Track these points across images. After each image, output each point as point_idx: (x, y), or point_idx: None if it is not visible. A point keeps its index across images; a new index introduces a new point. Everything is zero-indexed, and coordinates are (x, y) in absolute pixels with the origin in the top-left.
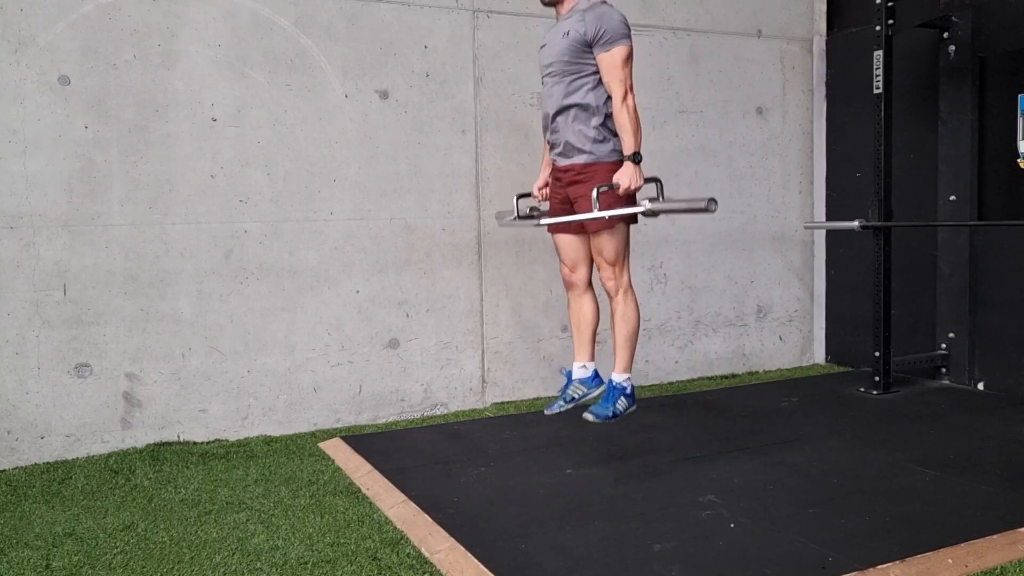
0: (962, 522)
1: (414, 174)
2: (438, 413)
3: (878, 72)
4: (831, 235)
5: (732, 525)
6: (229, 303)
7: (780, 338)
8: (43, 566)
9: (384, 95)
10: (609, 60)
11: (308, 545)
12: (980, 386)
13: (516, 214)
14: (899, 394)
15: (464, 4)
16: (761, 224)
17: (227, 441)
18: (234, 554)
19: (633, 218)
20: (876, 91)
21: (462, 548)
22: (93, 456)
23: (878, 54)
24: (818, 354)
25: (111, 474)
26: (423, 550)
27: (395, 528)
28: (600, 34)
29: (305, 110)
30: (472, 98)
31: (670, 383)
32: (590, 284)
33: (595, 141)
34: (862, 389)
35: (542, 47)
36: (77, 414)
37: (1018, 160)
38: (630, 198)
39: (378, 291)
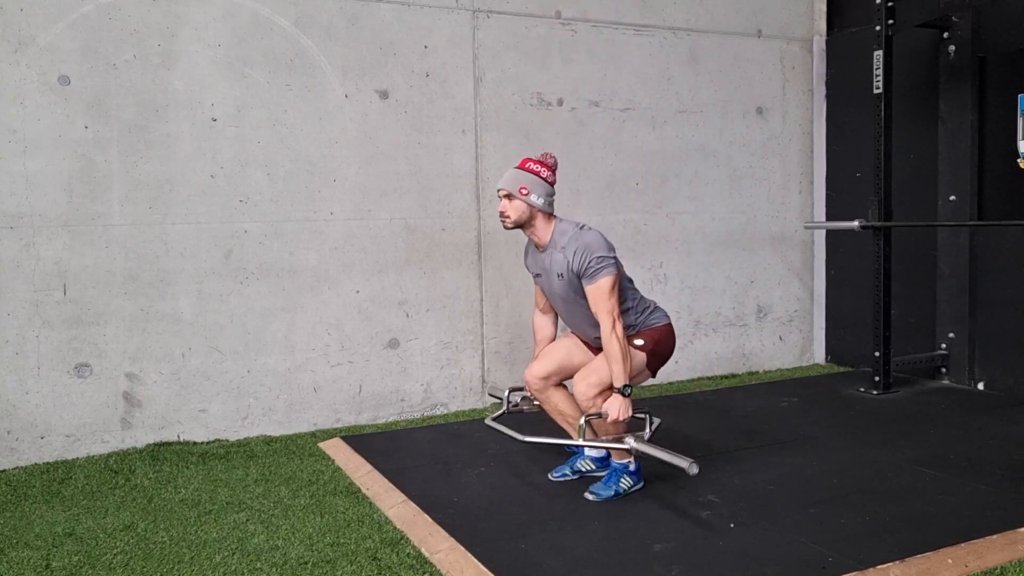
0: (962, 522)
1: (414, 174)
2: (438, 413)
3: (878, 72)
4: (831, 235)
5: (732, 525)
6: (229, 303)
7: (780, 338)
8: (43, 566)
9: (384, 95)
10: (596, 291)
11: (308, 545)
12: (980, 386)
13: (506, 408)
14: (899, 394)
15: (464, 4)
16: (761, 224)
17: (227, 441)
18: (234, 554)
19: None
20: (876, 91)
21: (462, 548)
22: (93, 456)
23: (878, 54)
24: (818, 354)
25: (111, 474)
26: (423, 550)
27: (395, 528)
28: (586, 268)
29: (305, 110)
30: (472, 98)
31: (670, 383)
32: (558, 383)
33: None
34: (862, 389)
35: (536, 275)
36: (77, 414)
37: (1018, 160)
38: (617, 427)
39: (378, 291)
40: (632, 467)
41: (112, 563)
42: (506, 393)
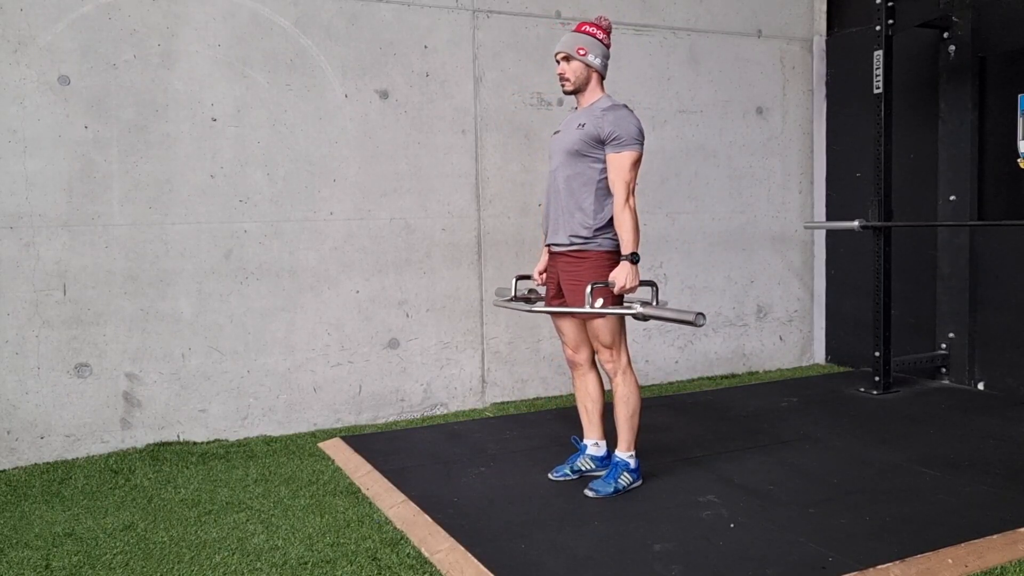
0: (962, 522)
1: (414, 174)
2: (438, 413)
3: (878, 72)
4: (831, 235)
5: (732, 525)
6: (229, 303)
7: (780, 338)
8: (43, 566)
9: (384, 95)
10: (618, 161)
11: (308, 545)
12: (980, 386)
13: (513, 295)
14: (899, 394)
15: (464, 4)
16: (761, 224)
17: (227, 441)
18: (234, 554)
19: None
20: (876, 91)
21: (462, 548)
22: (93, 456)
23: (878, 54)
24: (818, 354)
25: (111, 474)
26: (423, 550)
27: (395, 528)
28: (614, 135)
29: (305, 110)
30: (472, 98)
31: (670, 383)
32: (594, 363)
33: (590, 229)
34: (862, 389)
35: (555, 133)
36: (77, 414)
37: (1018, 160)
38: (622, 296)
39: (378, 291)
40: (632, 464)
41: (112, 563)
42: (514, 281)
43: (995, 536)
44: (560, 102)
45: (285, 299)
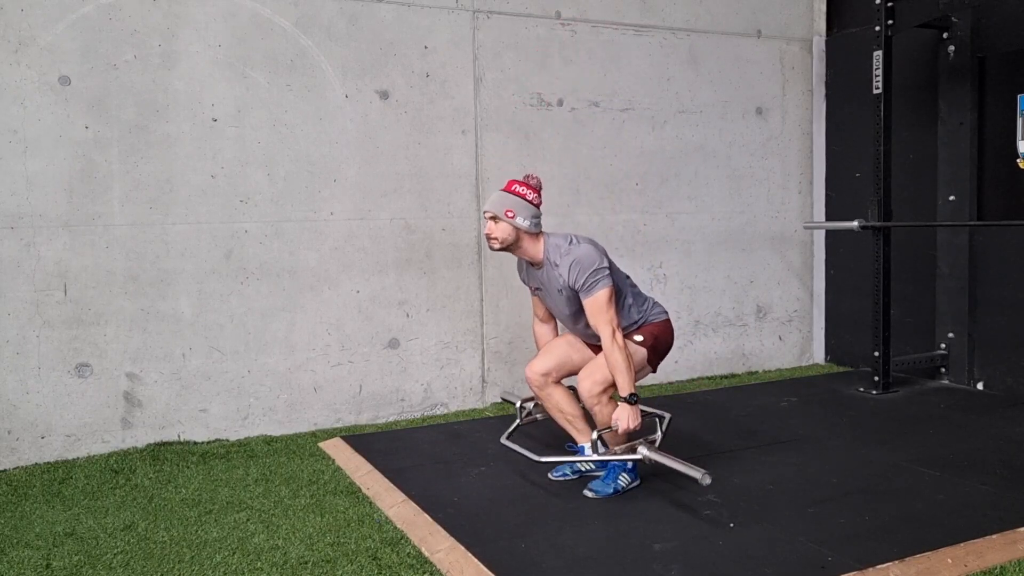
0: (962, 522)
1: (414, 174)
2: (438, 413)
3: (878, 72)
4: (831, 235)
5: (732, 525)
6: (229, 303)
7: (780, 338)
8: (43, 566)
9: (384, 95)
10: (594, 305)
11: (308, 545)
12: (980, 386)
13: (520, 418)
14: (899, 394)
15: (464, 4)
16: (761, 224)
17: (227, 441)
18: (234, 554)
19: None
20: (876, 91)
21: (462, 548)
22: (93, 456)
23: (878, 54)
24: (818, 354)
25: (111, 474)
26: (423, 550)
27: (395, 528)
28: (580, 283)
29: (305, 110)
30: (472, 98)
31: (670, 383)
32: (558, 380)
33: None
34: (862, 389)
35: (536, 289)
36: (77, 414)
37: (1018, 160)
38: (628, 435)
39: (378, 291)
40: (629, 464)
41: (112, 563)
42: (518, 404)
43: (995, 536)
44: (560, 102)
45: (285, 299)
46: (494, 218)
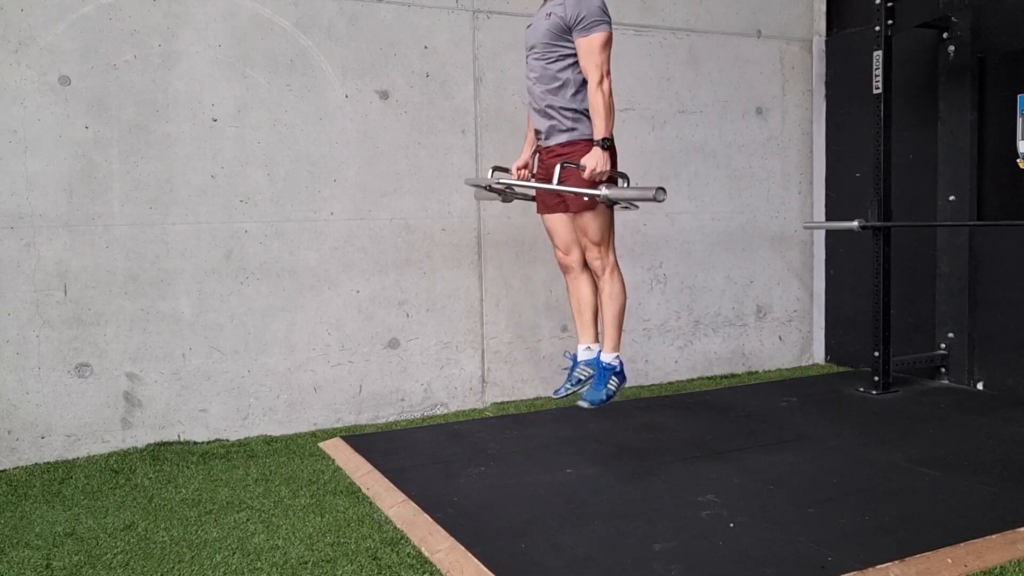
0: (961, 522)
1: (414, 174)
2: (438, 413)
3: (877, 72)
4: (831, 235)
5: (732, 525)
6: (229, 303)
7: (780, 338)
8: (43, 566)
9: (384, 95)
10: (587, 45)
11: (308, 545)
12: (980, 386)
13: (488, 183)
14: (899, 394)
15: (464, 4)
16: (761, 224)
17: (227, 441)
18: (234, 554)
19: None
20: (876, 91)
21: (462, 548)
22: (93, 456)
23: (878, 54)
24: (818, 354)
25: (111, 474)
26: (423, 550)
27: (395, 528)
28: (580, 19)
29: (305, 110)
30: (472, 98)
31: (670, 383)
32: (586, 265)
33: (575, 120)
34: (862, 389)
35: (528, 27)
36: (77, 414)
37: (1018, 160)
38: (594, 183)
39: (378, 291)
40: (618, 367)
41: (112, 563)
42: (490, 172)
43: (994, 536)
44: None
45: (285, 299)
46: None
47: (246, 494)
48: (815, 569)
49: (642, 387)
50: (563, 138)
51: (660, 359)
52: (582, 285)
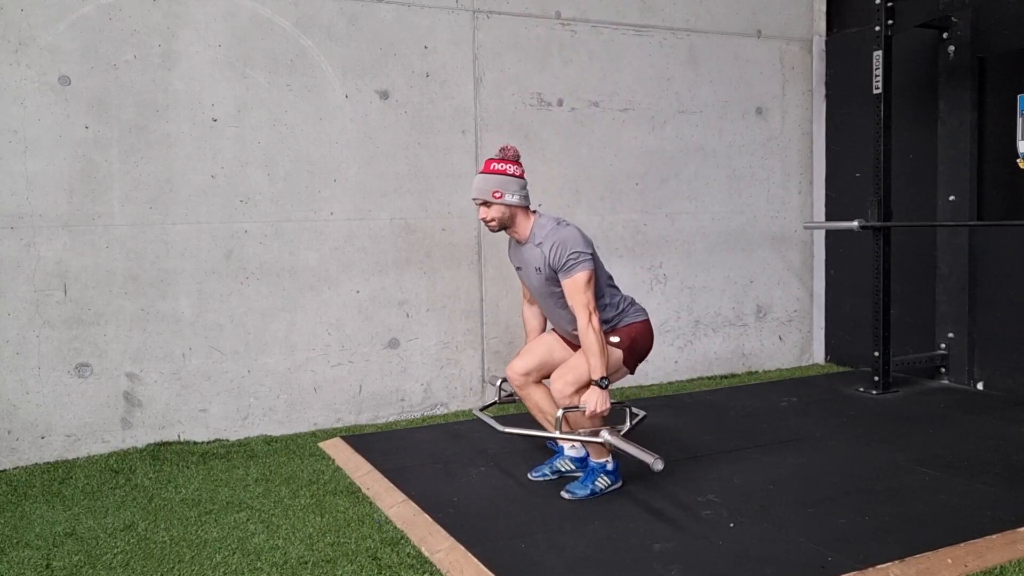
0: (962, 522)
1: (414, 174)
2: (438, 413)
3: (878, 72)
4: (831, 235)
5: (732, 525)
6: (229, 303)
7: (780, 338)
8: (43, 566)
9: (384, 95)
10: (572, 286)
11: (308, 545)
12: (980, 386)
13: (498, 397)
14: (899, 394)
15: (464, 4)
16: (761, 224)
17: (227, 441)
18: (234, 554)
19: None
20: (876, 91)
21: (462, 548)
22: (93, 456)
23: (878, 54)
24: (818, 354)
25: (111, 474)
26: (423, 550)
27: (395, 528)
28: (562, 263)
29: (305, 110)
30: (472, 98)
31: (670, 383)
32: (539, 380)
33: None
34: (862, 389)
35: (518, 268)
36: (77, 414)
37: (1018, 160)
38: (595, 424)
39: (378, 291)
40: (610, 466)
41: (112, 563)
42: (498, 383)
43: (994, 536)
44: (560, 102)
45: (285, 299)
46: (485, 203)
47: (246, 494)
48: (815, 569)
49: (642, 387)
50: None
51: (660, 359)
52: (536, 394)
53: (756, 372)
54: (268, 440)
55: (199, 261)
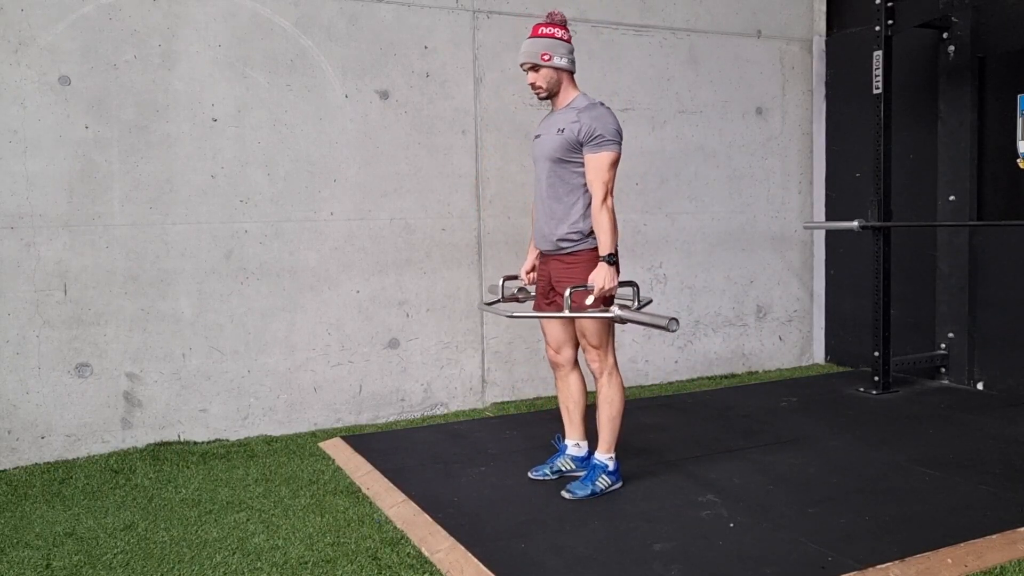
0: (962, 522)
1: (414, 174)
2: (438, 413)
3: (878, 72)
4: (831, 235)
5: (732, 525)
6: (229, 303)
7: (780, 338)
8: (43, 566)
9: (384, 95)
10: (596, 161)
11: (308, 545)
12: (980, 386)
13: (501, 295)
14: (899, 394)
15: (464, 4)
16: (761, 224)
17: (227, 441)
18: (234, 554)
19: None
20: (876, 91)
21: (462, 548)
22: (93, 456)
23: (878, 54)
24: (818, 354)
25: (111, 474)
26: (423, 550)
27: (395, 528)
28: (593, 135)
29: (305, 110)
30: (472, 98)
31: (670, 383)
32: (576, 363)
33: (580, 233)
34: (862, 389)
35: (536, 137)
36: (78, 414)
37: (1018, 160)
38: (604, 298)
39: (378, 291)
40: (611, 467)
41: (112, 563)
42: (501, 281)
43: (994, 536)
44: None
45: (285, 299)
46: (534, 67)
47: (246, 494)
48: (815, 569)
49: (642, 387)
50: (567, 247)
51: (660, 359)
52: (572, 383)
53: (756, 372)
54: (268, 440)
55: (199, 261)
